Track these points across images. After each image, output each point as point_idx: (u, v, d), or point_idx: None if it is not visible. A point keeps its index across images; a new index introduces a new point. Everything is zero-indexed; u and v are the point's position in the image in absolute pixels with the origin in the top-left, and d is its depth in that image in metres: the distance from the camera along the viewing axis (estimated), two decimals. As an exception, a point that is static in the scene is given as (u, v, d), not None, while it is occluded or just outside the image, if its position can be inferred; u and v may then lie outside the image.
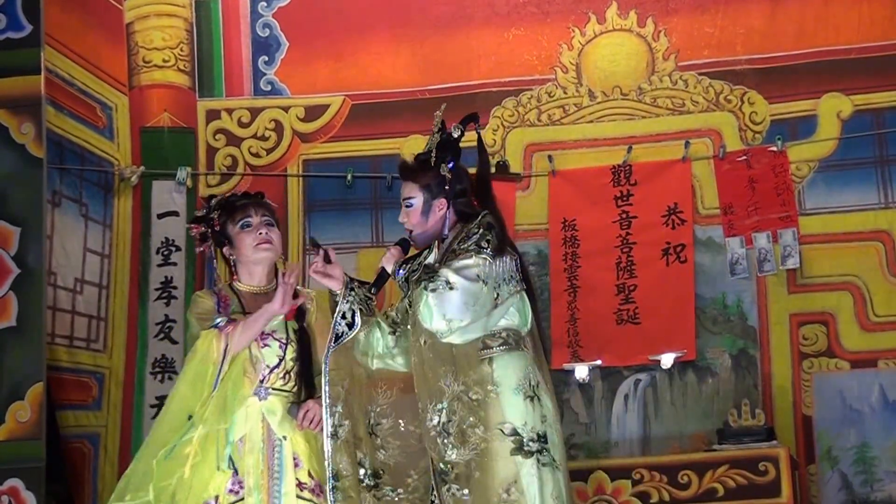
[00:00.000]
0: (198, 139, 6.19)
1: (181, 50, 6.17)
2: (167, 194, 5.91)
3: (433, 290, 3.63)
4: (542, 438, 3.64)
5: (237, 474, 3.85)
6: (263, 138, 6.24)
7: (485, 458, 3.60)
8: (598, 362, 5.89)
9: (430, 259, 3.84)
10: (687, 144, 5.98)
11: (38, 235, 5.00)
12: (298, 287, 4.18)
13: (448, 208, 3.85)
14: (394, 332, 3.91)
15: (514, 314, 3.77)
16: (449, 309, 3.62)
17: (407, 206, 3.89)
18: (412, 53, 6.23)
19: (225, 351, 3.83)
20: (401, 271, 3.83)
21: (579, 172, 6.10)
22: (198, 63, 6.23)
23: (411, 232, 3.91)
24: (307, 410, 3.91)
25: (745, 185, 5.91)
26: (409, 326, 3.84)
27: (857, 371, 5.73)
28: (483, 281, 3.67)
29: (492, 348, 3.71)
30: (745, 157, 5.94)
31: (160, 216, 5.92)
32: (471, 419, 3.63)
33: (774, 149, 5.91)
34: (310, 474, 3.91)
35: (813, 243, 5.86)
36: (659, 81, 6.12)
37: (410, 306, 3.75)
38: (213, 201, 4.12)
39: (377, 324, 3.90)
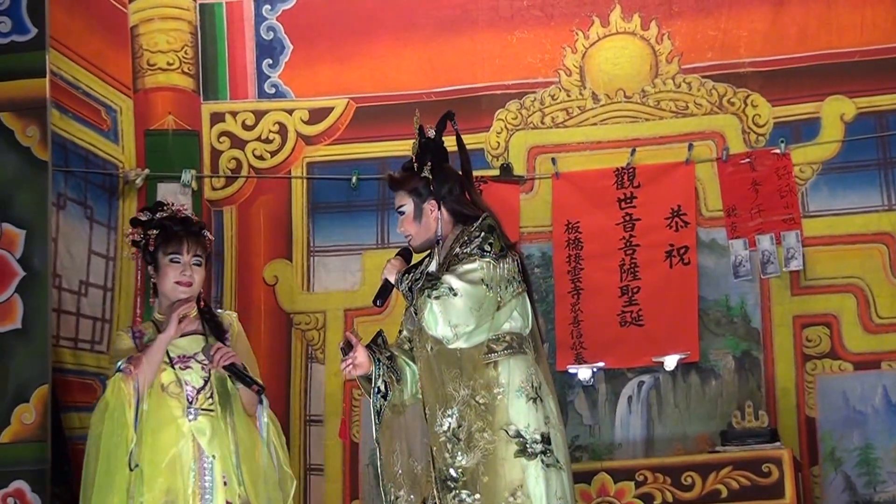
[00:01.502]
0: (202, 142, 6.21)
1: (185, 53, 6.18)
2: (172, 197, 5.85)
3: (437, 298, 3.64)
4: (545, 440, 3.66)
5: (169, 493, 3.90)
6: (268, 141, 6.26)
7: (492, 461, 3.62)
8: (602, 364, 5.90)
9: (432, 266, 3.83)
10: (690, 147, 5.98)
11: (43, 238, 5.02)
12: (219, 311, 4.25)
13: (439, 209, 3.86)
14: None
15: (517, 317, 3.78)
16: (454, 315, 3.63)
17: (400, 215, 3.93)
18: (416, 56, 6.23)
19: (137, 390, 3.88)
20: (403, 281, 3.82)
21: (583, 175, 6.10)
22: (202, 66, 6.24)
23: (410, 240, 3.92)
24: (217, 349, 3.96)
25: (749, 188, 5.91)
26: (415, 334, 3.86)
27: (861, 373, 5.73)
28: (486, 284, 3.68)
29: (496, 352, 3.72)
30: (748, 160, 5.95)
31: (165, 219, 5.94)
32: (479, 423, 3.65)
33: (778, 151, 5.91)
34: (237, 494, 3.95)
35: (816, 245, 5.85)
36: (662, 84, 6.13)
37: (416, 314, 3.75)
38: (158, 214, 4.13)
39: (406, 364, 3.91)
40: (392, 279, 3.86)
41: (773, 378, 5.79)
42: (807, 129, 5.96)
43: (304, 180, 6.20)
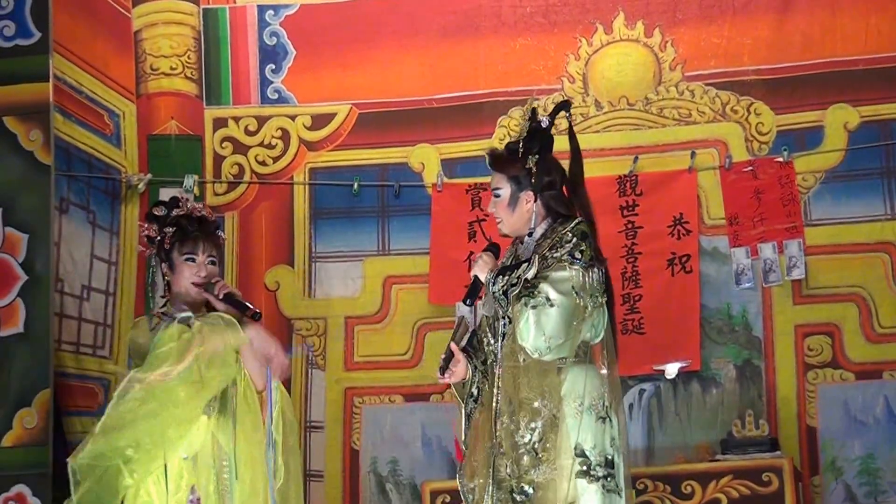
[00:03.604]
0: (205, 147, 6.21)
1: (189, 58, 6.19)
2: (179, 199, 5.93)
3: (534, 307, 3.54)
4: (608, 463, 3.58)
5: (194, 492, 3.91)
6: (270, 146, 6.25)
7: (554, 478, 3.54)
8: (604, 372, 5.87)
9: (531, 273, 3.66)
10: (693, 155, 5.97)
11: (45, 242, 5.05)
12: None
13: (535, 201, 3.76)
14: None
15: (589, 327, 3.69)
16: (548, 327, 3.53)
17: (495, 197, 3.82)
18: (419, 62, 6.23)
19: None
20: (497, 283, 3.70)
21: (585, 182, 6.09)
22: (205, 71, 6.25)
23: (500, 224, 3.82)
24: (216, 281, 3.99)
25: (751, 196, 5.90)
26: (498, 339, 3.74)
27: (862, 382, 5.71)
28: (577, 294, 3.58)
29: (564, 359, 3.63)
30: (751, 168, 5.93)
31: (167, 223, 5.94)
32: (552, 437, 3.56)
33: (780, 159, 5.90)
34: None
35: (818, 254, 5.83)
36: (665, 92, 6.11)
37: (509, 322, 3.65)
38: (174, 211, 4.14)
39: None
40: (482, 277, 3.73)
41: (775, 387, 5.77)
42: (810, 138, 5.94)
43: (306, 186, 6.20)
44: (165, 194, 5.78)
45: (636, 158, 6.00)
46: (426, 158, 6.17)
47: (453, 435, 5.43)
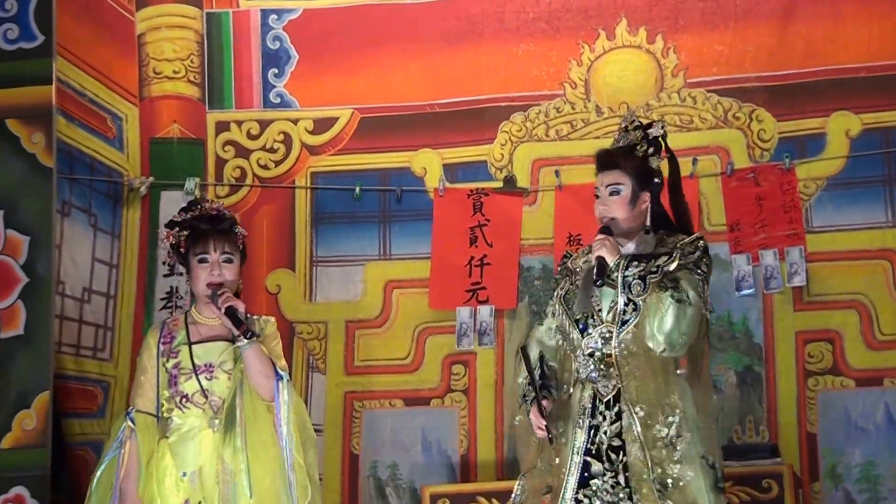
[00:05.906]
0: (207, 150, 6.21)
1: (191, 62, 6.20)
2: (176, 205, 5.88)
3: (679, 301, 3.59)
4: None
5: None
6: (272, 150, 6.26)
7: (688, 480, 3.58)
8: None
9: (672, 267, 3.67)
10: (694, 161, 5.96)
11: (47, 245, 5.03)
12: (249, 315, 4.20)
13: (649, 202, 3.81)
14: None
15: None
16: (684, 324, 3.59)
17: (612, 194, 3.82)
18: (421, 67, 6.23)
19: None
20: (630, 266, 3.68)
21: (586, 188, 5.98)
22: (208, 75, 6.25)
23: (614, 222, 3.80)
24: (222, 292, 4.03)
25: (753, 203, 5.90)
26: (624, 326, 3.71)
27: (863, 389, 5.71)
28: (703, 301, 3.66)
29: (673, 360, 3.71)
30: (752, 175, 5.94)
31: (168, 226, 5.95)
32: (686, 434, 3.61)
33: (782, 166, 5.90)
34: None
35: (820, 261, 5.84)
36: (667, 98, 6.12)
37: (634, 308, 3.66)
38: (188, 215, 4.13)
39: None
40: (610, 261, 3.70)
41: (775, 394, 5.77)
42: (812, 145, 5.95)
43: (308, 190, 6.20)
44: (167, 198, 5.85)
45: (638, 165, 5.99)
46: (428, 163, 6.17)
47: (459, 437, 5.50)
